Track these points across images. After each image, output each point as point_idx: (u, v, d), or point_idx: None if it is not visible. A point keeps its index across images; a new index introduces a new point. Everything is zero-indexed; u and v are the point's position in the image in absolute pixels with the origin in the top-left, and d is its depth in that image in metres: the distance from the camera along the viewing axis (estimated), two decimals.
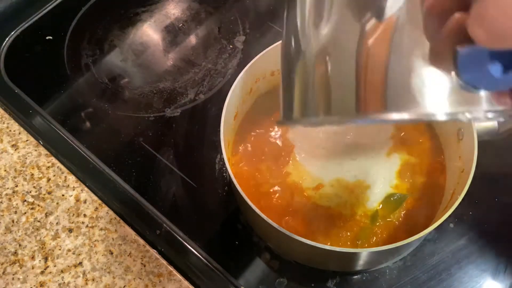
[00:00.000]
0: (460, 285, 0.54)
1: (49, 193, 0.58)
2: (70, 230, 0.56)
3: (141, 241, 0.55)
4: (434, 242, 0.56)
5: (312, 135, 0.60)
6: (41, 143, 0.62)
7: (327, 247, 0.46)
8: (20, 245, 0.55)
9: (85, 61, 0.73)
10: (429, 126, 0.60)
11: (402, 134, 0.59)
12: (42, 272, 0.53)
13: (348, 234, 0.53)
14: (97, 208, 0.57)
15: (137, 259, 0.54)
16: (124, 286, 0.52)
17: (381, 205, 0.55)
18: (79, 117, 0.67)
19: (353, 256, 0.50)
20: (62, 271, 0.53)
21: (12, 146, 0.62)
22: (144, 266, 0.53)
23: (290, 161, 0.58)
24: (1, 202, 0.58)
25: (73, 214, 0.57)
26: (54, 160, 0.61)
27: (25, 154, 0.61)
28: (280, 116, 0.34)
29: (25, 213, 0.57)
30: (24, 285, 0.52)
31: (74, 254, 0.54)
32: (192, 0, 0.80)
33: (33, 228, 0.56)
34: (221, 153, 0.51)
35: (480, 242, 0.56)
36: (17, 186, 0.59)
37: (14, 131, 0.63)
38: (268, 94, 0.63)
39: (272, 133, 0.60)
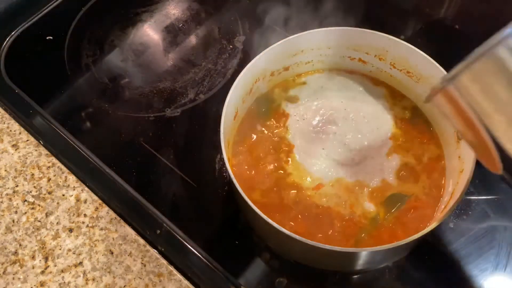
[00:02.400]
0: (460, 285, 0.54)
1: (50, 193, 0.58)
2: (71, 230, 0.56)
3: (141, 241, 0.55)
4: (434, 242, 0.56)
5: (312, 135, 0.60)
6: (42, 143, 0.62)
7: (327, 247, 0.46)
8: (20, 245, 0.55)
9: (85, 61, 0.73)
10: (428, 126, 0.60)
11: (402, 135, 0.60)
12: (42, 272, 0.53)
13: (348, 234, 0.53)
14: (97, 208, 0.57)
15: (137, 258, 0.54)
16: (124, 286, 0.52)
17: (381, 206, 0.55)
18: (79, 117, 0.67)
19: (353, 256, 0.50)
20: (62, 271, 0.53)
21: (13, 146, 0.62)
22: (144, 265, 0.53)
23: (290, 161, 0.58)
24: (2, 202, 0.58)
25: (74, 214, 0.57)
26: (54, 160, 0.61)
27: (25, 154, 0.61)
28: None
29: (26, 213, 0.57)
30: (25, 285, 0.52)
31: (74, 254, 0.54)
32: (192, 0, 0.80)
33: (33, 228, 0.56)
34: (221, 153, 0.51)
35: (480, 242, 0.56)
36: (17, 186, 0.59)
37: (14, 131, 0.63)
38: (268, 94, 0.63)
39: (272, 133, 0.60)
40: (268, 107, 0.62)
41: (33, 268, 0.53)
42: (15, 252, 0.54)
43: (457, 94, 0.38)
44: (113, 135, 0.66)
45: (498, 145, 0.38)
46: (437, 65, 0.55)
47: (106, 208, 0.57)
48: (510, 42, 0.34)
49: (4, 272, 0.53)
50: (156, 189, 0.61)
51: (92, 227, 0.56)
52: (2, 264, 0.54)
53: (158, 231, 0.57)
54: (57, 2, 0.78)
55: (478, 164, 0.48)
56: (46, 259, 0.54)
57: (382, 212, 0.54)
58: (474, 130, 0.38)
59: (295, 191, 0.56)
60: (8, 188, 0.59)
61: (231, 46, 0.74)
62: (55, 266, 0.54)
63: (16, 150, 0.61)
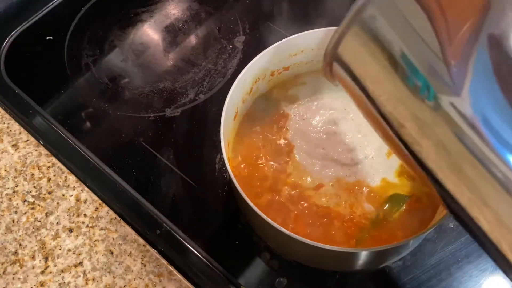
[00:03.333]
0: (460, 285, 0.54)
1: (50, 193, 0.58)
2: (71, 230, 0.56)
3: (141, 241, 0.55)
4: (434, 242, 0.56)
5: (312, 135, 0.60)
6: (42, 143, 0.62)
7: (327, 247, 0.46)
8: (20, 245, 0.55)
9: (85, 61, 0.73)
10: None
11: None
12: (42, 272, 0.53)
13: (348, 234, 0.53)
14: (97, 208, 0.57)
15: (137, 258, 0.54)
16: (124, 286, 0.52)
17: (381, 206, 0.55)
18: (79, 117, 0.67)
19: (353, 256, 0.50)
20: (62, 271, 0.53)
21: (13, 146, 0.62)
22: (144, 266, 0.53)
23: (290, 161, 0.58)
24: (2, 202, 0.58)
25: (74, 214, 0.57)
26: (54, 160, 0.61)
27: (25, 154, 0.61)
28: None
29: (26, 213, 0.57)
30: (25, 285, 0.52)
31: (74, 254, 0.54)
32: (192, 0, 0.80)
33: (33, 228, 0.56)
34: (221, 153, 0.51)
35: None
36: (17, 186, 0.59)
37: (14, 131, 0.63)
38: (268, 94, 0.63)
39: (272, 133, 0.60)
40: (268, 107, 0.62)
41: (33, 268, 0.53)
42: (15, 252, 0.54)
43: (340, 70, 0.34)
44: (113, 135, 0.66)
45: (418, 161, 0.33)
46: None
47: (106, 208, 0.57)
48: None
49: (4, 272, 0.53)
50: (156, 189, 0.61)
51: (92, 227, 0.56)
52: (2, 264, 0.54)
53: (158, 231, 0.57)
54: (57, 2, 0.78)
55: None
56: (46, 259, 0.54)
57: (382, 212, 0.54)
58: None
59: (295, 191, 0.56)
60: (8, 188, 0.59)
61: (231, 46, 0.74)
62: (55, 266, 0.54)
63: (16, 150, 0.61)
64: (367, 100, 0.34)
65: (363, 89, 0.33)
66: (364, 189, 0.56)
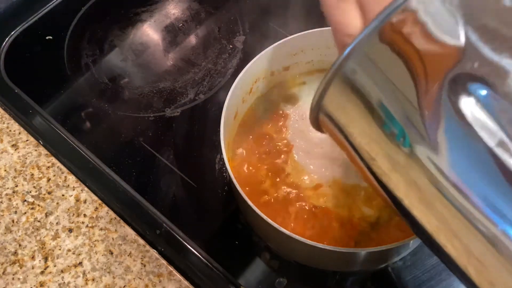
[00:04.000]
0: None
1: (49, 193, 0.58)
2: (70, 230, 0.56)
3: (141, 241, 0.55)
4: None
5: (311, 135, 0.60)
6: (41, 143, 0.62)
7: (327, 247, 0.46)
8: (20, 245, 0.55)
9: (85, 61, 0.73)
10: None
11: None
12: (42, 272, 0.53)
13: (348, 234, 0.53)
14: (97, 208, 0.57)
15: (137, 259, 0.54)
16: (124, 286, 0.52)
17: (380, 206, 0.55)
18: (79, 117, 0.67)
19: (353, 256, 0.50)
20: (62, 271, 0.53)
21: (12, 146, 0.62)
22: (144, 266, 0.53)
23: (289, 161, 0.58)
24: (1, 202, 0.58)
25: (73, 214, 0.57)
26: (54, 160, 0.61)
27: (25, 154, 0.61)
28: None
29: (25, 213, 0.57)
30: (24, 285, 0.52)
31: (74, 254, 0.54)
32: (192, 0, 0.80)
33: (33, 228, 0.56)
34: (221, 153, 0.51)
35: None
36: (17, 186, 0.59)
37: (14, 131, 0.63)
38: (268, 94, 0.63)
39: (272, 133, 0.60)
40: (268, 107, 0.62)
41: (32, 268, 0.53)
42: (15, 252, 0.54)
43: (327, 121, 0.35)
44: (113, 135, 0.66)
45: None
46: None
47: (105, 208, 0.57)
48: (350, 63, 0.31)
49: (3, 273, 0.53)
50: (156, 189, 0.61)
51: (92, 227, 0.56)
52: (2, 264, 0.54)
53: (158, 231, 0.57)
54: (57, 2, 0.78)
55: None
56: (46, 259, 0.54)
57: (381, 212, 0.54)
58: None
59: (294, 191, 0.56)
60: (8, 188, 0.59)
61: (231, 46, 0.74)
62: (55, 266, 0.54)
63: (15, 150, 0.61)
64: (348, 144, 0.36)
65: (344, 134, 0.35)
66: (363, 190, 0.56)
